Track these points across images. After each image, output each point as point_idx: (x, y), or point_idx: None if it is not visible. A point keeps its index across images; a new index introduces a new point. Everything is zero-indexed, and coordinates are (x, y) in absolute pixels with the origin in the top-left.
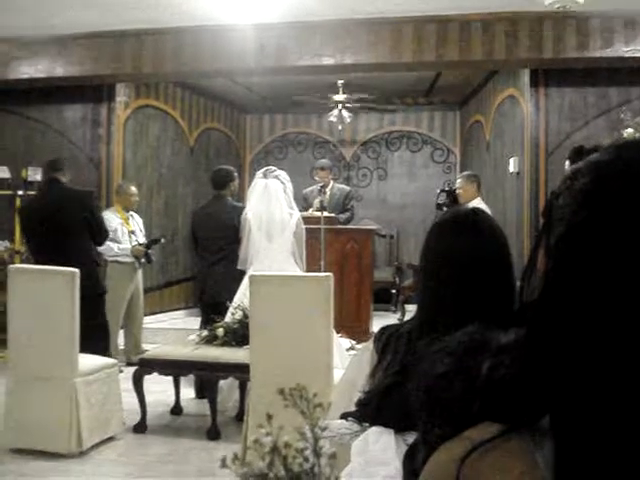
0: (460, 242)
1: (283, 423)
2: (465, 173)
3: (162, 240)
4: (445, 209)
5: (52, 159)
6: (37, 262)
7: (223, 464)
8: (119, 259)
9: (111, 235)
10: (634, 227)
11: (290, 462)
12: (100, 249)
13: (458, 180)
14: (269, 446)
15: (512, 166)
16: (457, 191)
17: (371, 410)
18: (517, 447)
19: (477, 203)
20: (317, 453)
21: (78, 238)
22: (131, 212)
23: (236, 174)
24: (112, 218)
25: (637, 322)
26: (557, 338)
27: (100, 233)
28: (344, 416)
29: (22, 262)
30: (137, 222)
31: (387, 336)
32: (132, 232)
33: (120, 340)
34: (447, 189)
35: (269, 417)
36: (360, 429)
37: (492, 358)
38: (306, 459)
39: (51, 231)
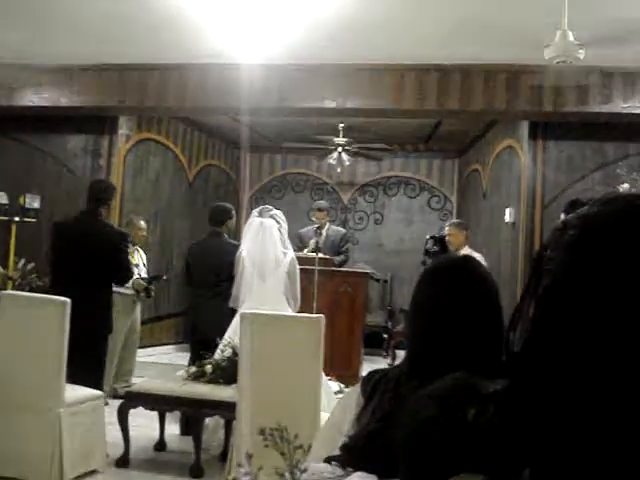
0: (451, 289)
1: (267, 463)
2: (455, 220)
3: (164, 277)
4: (434, 256)
5: (99, 185)
6: (54, 287)
7: None
8: (120, 291)
9: None
10: (619, 279)
11: None
12: None
13: (447, 227)
14: None
15: (508, 216)
16: (446, 238)
17: (355, 455)
18: None
19: (466, 250)
20: None
21: (103, 275)
22: (136, 247)
23: (234, 212)
24: None
25: (622, 376)
26: (539, 390)
27: (127, 274)
28: (328, 460)
29: (16, 289)
30: (141, 256)
31: (375, 380)
32: (136, 265)
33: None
34: (436, 236)
35: (249, 456)
36: (344, 474)
37: (478, 405)
38: None
39: (81, 264)
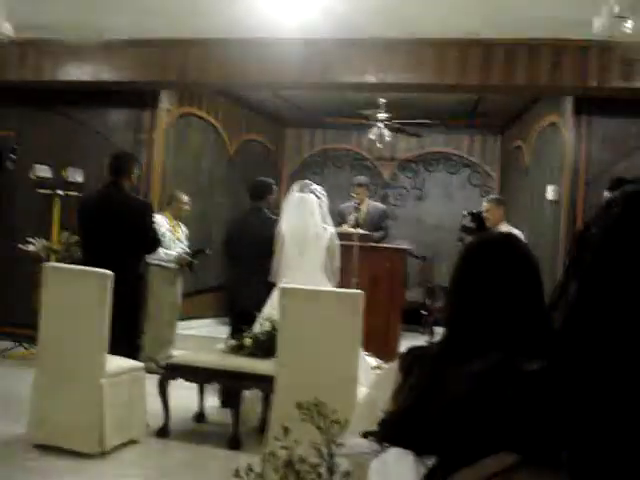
0: (492, 267)
1: (304, 437)
2: (492, 196)
3: (207, 252)
4: (471, 232)
5: (116, 158)
6: (86, 262)
7: (237, 474)
8: (163, 264)
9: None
10: None
11: (303, 477)
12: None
13: (485, 203)
14: (283, 459)
15: (550, 194)
16: (484, 214)
17: (392, 431)
18: None
19: (504, 227)
20: (331, 470)
21: (131, 247)
22: (178, 221)
23: (275, 187)
24: (162, 223)
25: None
26: (578, 370)
27: (154, 243)
28: (365, 435)
29: (59, 261)
30: (183, 231)
31: (413, 357)
32: (179, 239)
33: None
34: (474, 212)
35: (286, 430)
36: (380, 449)
37: (517, 384)
38: (319, 475)
39: (107, 236)
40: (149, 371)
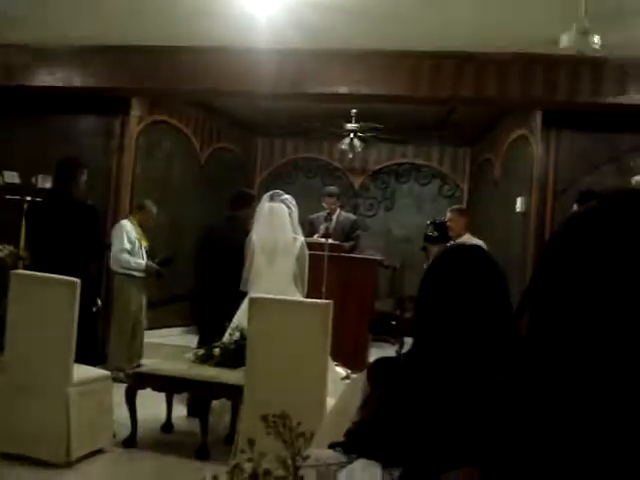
0: (459, 277)
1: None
2: (456, 206)
3: (172, 260)
4: (434, 241)
5: (62, 164)
6: (34, 268)
7: None
8: (133, 273)
9: (129, 247)
10: (615, 274)
11: None
12: (115, 258)
13: (448, 213)
14: (248, 473)
15: (519, 205)
16: (447, 224)
17: (359, 442)
18: None
19: (466, 236)
20: None
21: (77, 251)
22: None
23: (255, 201)
24: (130, 231)
25: (621, 362)
26: (539, 380)
27: (100, 248)
28: (332, 446)
29: (25, 268)
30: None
31: (381, 367)
32: (145, 248)
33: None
34: (437, 221)
35: (251, 443)
36: (347, 460)
37: (476, 396)
38: None
39: (52, 242)
40: (117, 380)
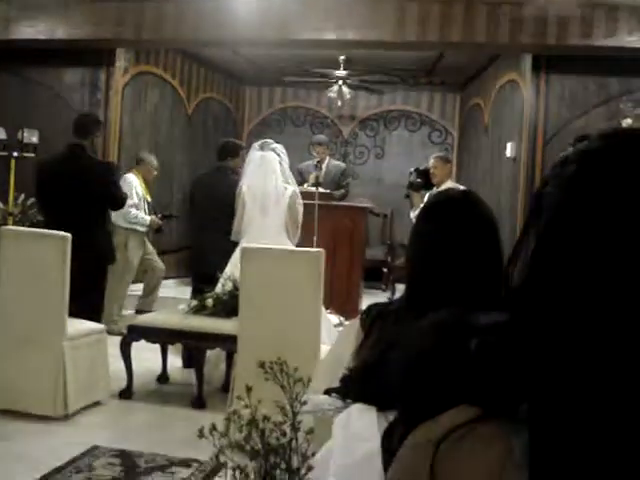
0: (450, 224)
1: (267, 396)
2: (438, 154)
3: (175, 216)
4: (417, 189)
5: (79, 121)
6: (49, 225)
7: (201, 434)
8: (137, 228)
9: (137, 202)
10: (617, 214)
11: (268, 435)
12: (122, 213)
13: (431, 160)
14: (247, 418)
15: (509, 151)
16: (430, 171)
17: (354, 387)
18: (493, 433)
19: (450, 184)
20: (295, 428)
21: (97, 209)
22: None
23: (243, 151)
24: (137, 186)
25: (620, 311)
26: (538, 325)
27: (120, 200)
28: (327, 392)
29: (15, 224)
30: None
31: (374, 314)
32: (149, 202)
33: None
34: (420, 168)
35: (248, 389)
36: (343, 405)
37: (478, 336)
38: (283, 433)
39: (70, 198)
40: (110, 333)
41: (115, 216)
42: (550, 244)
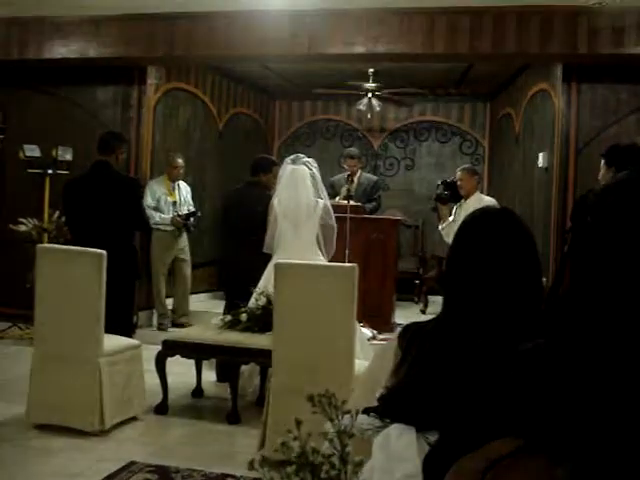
0: (490, 240)
1: (303, 415)
2: (466, 166)
3: (198, 213)
4: (445, 201)
5: (100, 138)
6: (77, 242)
7: (251, 467)
8: (161, 227)
9: (154, 204)
10: None
11: (318, 468)
12: None
13: (458, 172)
14: (297, 451)
15: (541, 161)
16: (458, 183)
17: (392, 407)
18: (539, 464)
19: (478, 196)
20: (344, 460)
21: (121, 224)
22: (178, 182)
23: (277, 167)
24: (157, 188)
25: None
26: (574, 354)
27: (142, 222)
28: (366, 411)
29: (50, 241)
30: (183, 192)
31: (412, 333)
32: (174, 202)
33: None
34: (447, 181)
35: (298, 423)
36: (381, 425)
37: (514, 365)
38: (333, 466)
39: (96, 215)
40: (161, 328)
41: None
42: (590, 272)
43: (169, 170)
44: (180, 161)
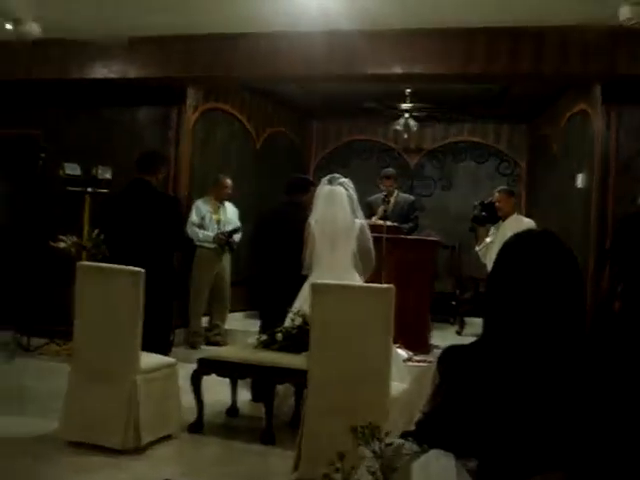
0: (533, 263)
1: (339, 437)
2: (503, 187)
3: (241, 230)
4: (482, 222)
5: (142, 157)
6: (114, 260)
7: None
8: (205, 245)
9: (198, 222)
10: None
11: None
12: (188, 233)
13: (496, 194)
14: None
15: (580, 182)
16: (495, 204)
17: (431, 432)
18: None
19: (516, 217)
20: None
21: (160, 242)
22: (225, 202)
23: (314, 188)
24: (201, 206)
25: None
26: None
27: (182, 240)
28: (404, 435)
29: (89, 258)
30: (228, 212)
31: (451, 358)
32: (218, 221)
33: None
34: (485, 202)
35: (340, 456)
36: (419, 450)
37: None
38: None
39: (135, 233)
40: (194, 347)
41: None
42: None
43: (217, 190)
44: (229, 181)
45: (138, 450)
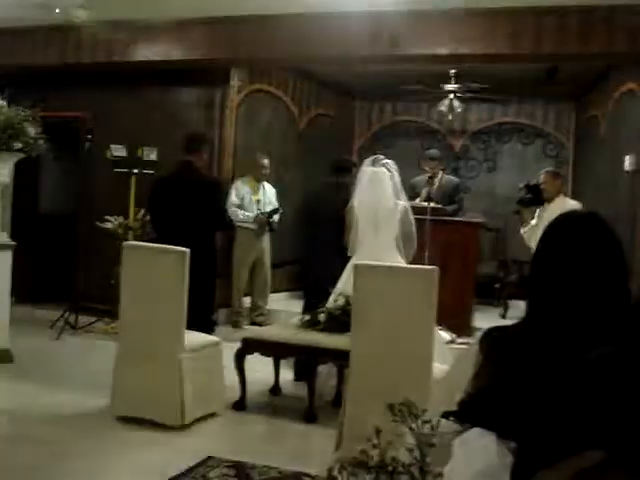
0: (577, 245)
1: (379, 417)
2: (548, 169)
3: (280, 210)
4: (528, 204)
5: (188, 138)
6: (160, 240)
7: (329, 476)
8: (245, 225)
9: (238, 202)
10: None
11: (397, 477)
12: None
13: (542, 175)
14: (376, 460)
15: (627, 164)
16: (541, 186)
17: (472, 412)
18: (621, 478)
19: (561, 199)
20: (424, 471)
21: (203, 224)
22: (263, 183)
23: (355, 168)
24: (240, 187)
25: None
26: None
27: (223, 222)
28: (445, 415)
29: (135, 238)
30: (267, 193)
31: (493, 338)
32: (258, 201)
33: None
34: (530, 184)
35: (377, 432)
36: (461, 429)
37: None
38: (412, 476)
39: (180, 214)
40: (235, 326)
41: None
42: None
43: (255, 169)
44: (266, 161)
45: (183, 426)
